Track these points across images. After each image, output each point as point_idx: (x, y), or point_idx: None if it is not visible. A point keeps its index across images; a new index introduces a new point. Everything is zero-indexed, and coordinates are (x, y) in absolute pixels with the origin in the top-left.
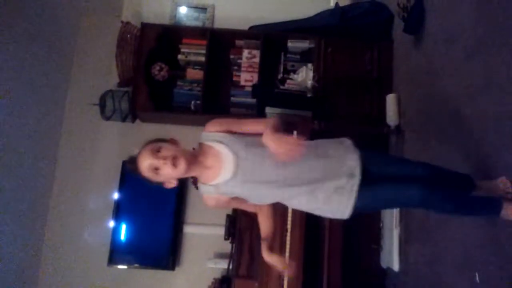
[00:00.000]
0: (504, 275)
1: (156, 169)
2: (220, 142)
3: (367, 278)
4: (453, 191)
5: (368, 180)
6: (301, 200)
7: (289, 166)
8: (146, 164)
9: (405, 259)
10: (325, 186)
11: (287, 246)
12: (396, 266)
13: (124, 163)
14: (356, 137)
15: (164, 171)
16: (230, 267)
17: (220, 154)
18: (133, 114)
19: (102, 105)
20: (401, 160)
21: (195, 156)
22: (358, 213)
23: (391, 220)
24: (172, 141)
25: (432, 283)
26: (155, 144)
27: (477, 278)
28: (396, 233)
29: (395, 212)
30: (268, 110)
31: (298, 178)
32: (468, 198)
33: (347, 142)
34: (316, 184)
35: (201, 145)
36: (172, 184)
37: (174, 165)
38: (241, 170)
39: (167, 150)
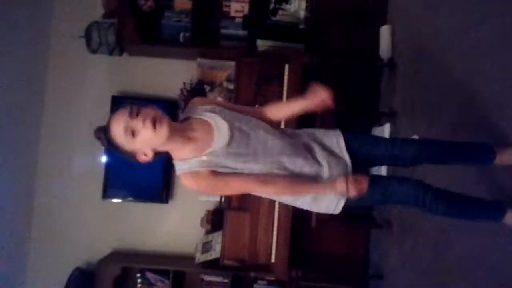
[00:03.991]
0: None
1: (133, 133)
2: (212, 111)
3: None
4: (449, 193)
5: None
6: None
7: (284, 140)
8: (121, 127)
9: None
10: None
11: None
12: None
13: (97, 130)
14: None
15: (142, 135)
16: (222, 199)
17: (212, 124)
18: (120, 47)
19: (87, 38)
20: (389, 140)
21: (179, 125)
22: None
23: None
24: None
25: (417, 214)
26: (133, 107)
27: None
28: None
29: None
30: (259, 42)
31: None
32: (465, 201)
33: (341, 139)
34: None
35: (187, 118)
36: (147, 156)
37: (155, 127)
38: (235, 141)
39: (148, 112)
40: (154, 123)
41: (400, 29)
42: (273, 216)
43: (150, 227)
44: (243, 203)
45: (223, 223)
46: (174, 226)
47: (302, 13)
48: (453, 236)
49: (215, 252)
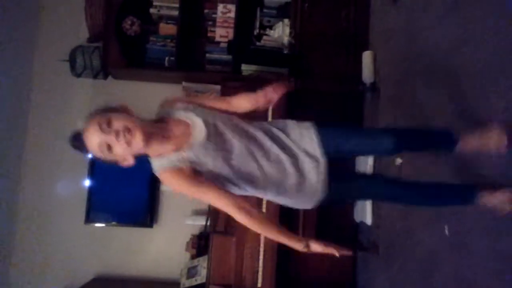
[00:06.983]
0: (474, 226)
1: (109, 147)
2: (186, 110)
3: (341, 232)
4: (422, 185)
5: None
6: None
7: (255, 140)
8: (95, 142)
9: (378, 213)
10: (300, 159)
11: (264, 201)
12: (369, 220)
13: (72, 139)
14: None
15: (118, 149)
16: (208, 223)
17: (189, 122)
18: (105, 70)
19: (72, 62)
20: (363, 132)
21: (154, 126)
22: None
23: None
24: (124, 109)
25: (403, 236)
26: (104, 116)
27: (447, 231)
28: None
29: (369, 167)
30: (244, 67)
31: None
32: (438, 189)
33: (307, 124)
34: (292, 155)
35: (161, 119)
36: (128, 162)
37: (128, 142)
38: (212, 137)
39: (118, 122)
40: (126, 135)
41: (382, 54)
42: (259, 240)
43: (134, 252)
44: (229, 227)
45: (209, 247)
46: (159, 251)
47: (286, 39)
48: (440, 258)
49: (201, 277)
